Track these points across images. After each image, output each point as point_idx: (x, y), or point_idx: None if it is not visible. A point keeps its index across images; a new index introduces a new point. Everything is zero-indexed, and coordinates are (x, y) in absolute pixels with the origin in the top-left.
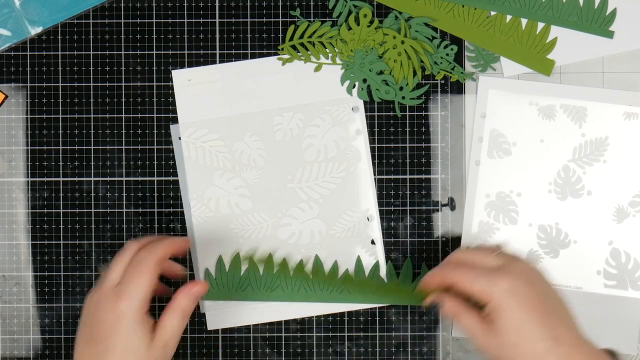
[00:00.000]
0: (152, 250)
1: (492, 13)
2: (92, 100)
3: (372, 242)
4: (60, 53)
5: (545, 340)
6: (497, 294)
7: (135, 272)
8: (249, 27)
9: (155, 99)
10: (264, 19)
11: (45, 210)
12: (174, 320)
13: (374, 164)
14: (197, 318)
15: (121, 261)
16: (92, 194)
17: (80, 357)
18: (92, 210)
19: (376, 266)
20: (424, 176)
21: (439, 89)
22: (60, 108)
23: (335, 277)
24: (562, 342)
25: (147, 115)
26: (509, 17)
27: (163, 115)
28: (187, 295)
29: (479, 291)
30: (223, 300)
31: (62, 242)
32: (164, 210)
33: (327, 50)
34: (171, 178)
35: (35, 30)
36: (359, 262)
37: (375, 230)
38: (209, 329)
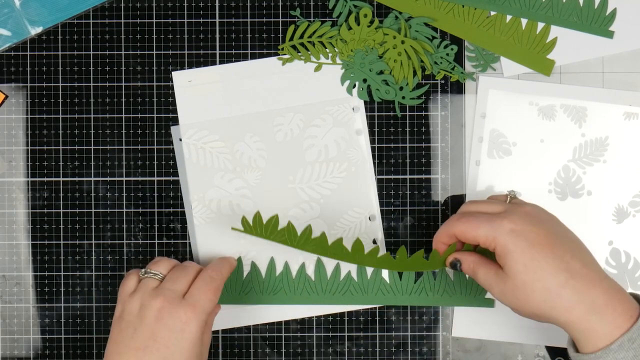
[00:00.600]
0: (220, 268)
1: (492, 13)
2: (92, 100)
3: (374, 242)
4: (60, 53)
5: (558, 273)
6: (501, 236)
7: (207, 288)
8: (249, 27)
9: (155, 99)
10: (264, 19)
11: (45, 210)
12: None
13: (374, 164)
14: None
15: (187, 274)
16: (92, 194)
17: None
18: (92, 210)
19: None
20: (424, 176)
21: (439, 89)
22: (60, 108)
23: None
24: (578, 276)
25: (147, 116)
26: (509, 17)
27: (163, 116)
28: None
29: (484, 237)
30: (227, 304)
31: (62, 242)
32: (164, 210)
33: (327, 50)
34: (171, 178)
35: (35, 30)
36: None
37: (377, 229)
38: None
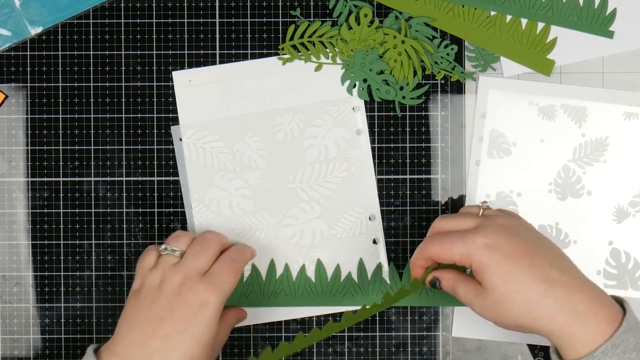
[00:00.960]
0: (243, 252)
1: (492, 13)
2: (92, 100)
3: (374, 242)
4: (60, 53)
5: (537, 283)
6: (475, 252)
7: (229, 268)
8: (249, 27)
9: (155, 99)
10: (264, 19)
11: (45, 210)
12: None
13: (374, 164)
14: None
15: (208, 251)
16: (92, 194)
17: (142, 332)
18: (92, 210)
19: (379, 268)
20: (424, 176)
21: (439, 89)
22: (60, 108)
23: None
24: (558, 283)
25: (147, 116)
26: (509, 17)
27: (163, 116)
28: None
29: (460, 256)
30: (227, 307)
31: (62, 242)
32: (164, 210)
33: (328, 49)
34: (171, 178)
35: (35, 30)
36: (361, 264)
37: (377, 229)
38: None
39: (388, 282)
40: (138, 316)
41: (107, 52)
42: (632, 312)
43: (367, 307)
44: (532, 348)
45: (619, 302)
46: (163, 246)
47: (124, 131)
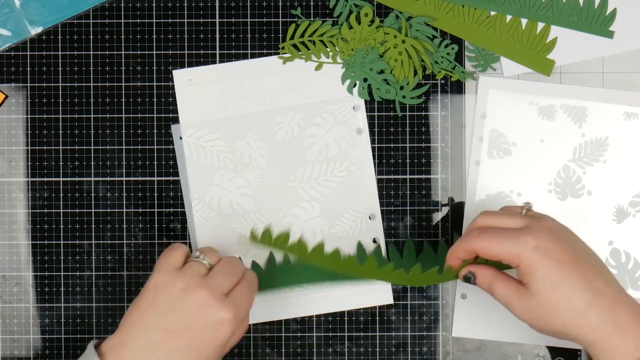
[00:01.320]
0: (256, 281)
1: (492, 13)
2: (92, 100)
3: (374, 241)
4: (60, 53)
5: (585, 293)
6: (526, 253)
7: (248, 293)
8: (249, 27)
9: (155, 99)
10: (264, 19)
11: (45, 210)
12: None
13: (374, 163)
14: None
15: (236, 273)
16: (92, 194)
17: (151, 341)
18: (92, 210)
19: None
20: (424, 176)
21: (439, 89)
22: (60, 108)
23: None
24: (603, 295)
25: (147, 115)
26: (509, 17)
27: (163, 115)
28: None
29: (507, 254)
30: None
31: (62, 242)
32: (164, 210)
33: (328, 49)
34: (171, 178)
35: (35, 30)
36: (360, 247)
37: (377, 229)
38: None
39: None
40: (151, 321)
41: (107, 52)
42: None
43: (395, 272)
44: (551, 351)
45: None
46: (196, 253)
47: (124, 131)
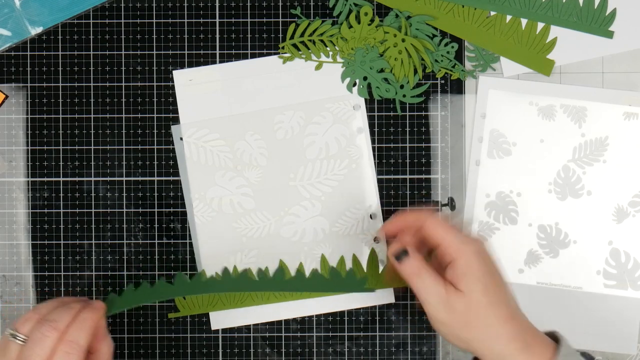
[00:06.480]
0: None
1: (492, 13)
2: (92, 100)
3: (376, 240)
4: (60, 53)
5: (508, 305)
6: (467, 252)
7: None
8: (249, 27)
9: (155, 99)
10: (264, 19)
11: (45, 210)
12: None
13: (374, 163)
14: (198, 318)
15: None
16: (92, 194)
17: None
18: (92, 210)
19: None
20: (424, 176)
21: (439, 89)
22: (60, 108)
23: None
24: (517, 314)
25: (147, 115)
26: (509, 17)
27: (163, 115)
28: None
29: (451, 242)
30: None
31: (62, 242)
32: (164, 210)
33: (328, 48)
34: (172, 178)
35: (35, 30)
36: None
37: (378, 227)
38: (213, 328)
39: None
40: None
41: (107, 52)
42: (567, 343)
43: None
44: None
45: (553, 337)
46: (7, 330)
47: (124, 131)
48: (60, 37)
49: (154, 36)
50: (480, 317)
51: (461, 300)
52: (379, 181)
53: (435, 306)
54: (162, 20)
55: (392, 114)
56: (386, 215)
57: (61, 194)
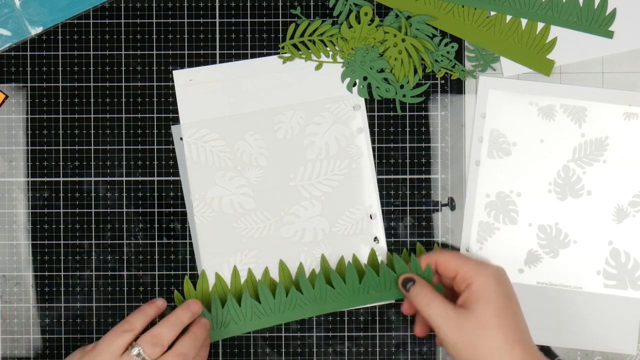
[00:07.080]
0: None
1: (492, 13)
2: (92, 100)
3: (375, 240)
4: (60, 53)
5: (517, 330)
6: (483, 276)
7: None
8: (249, 27)
9: (155, 99)
10: (264, 19)
11: (45, 210)
12: None
13: (374, 163)
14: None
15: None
16: (92, 194)
17: None
18: (92, 210)
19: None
20: (424, 176)
21: (439, 89)
22: (60, 108)
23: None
24: (526, 339)
25: (147, 116)
26: (509, 17)
27: (163, 115)
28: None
29: (467, 270)
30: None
31: (62, 242)
32: (164, 210)
33: (328, 48)
34: (172, 178)
35: (35, 30)
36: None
37: (378, 227)
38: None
39: (333, 287)
40: None
41: (107, 52)
42: None
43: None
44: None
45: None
46: (136, 349)
47: (124, 131)
48: (60, 37)
49: (154, 36)
50: (488, 338)
51: (471, 320)
52: (379, 181)
53: (445, 329)
54: (162, 20)
55: (392, 114)
56: (386, 215)
57: (61, 194)
